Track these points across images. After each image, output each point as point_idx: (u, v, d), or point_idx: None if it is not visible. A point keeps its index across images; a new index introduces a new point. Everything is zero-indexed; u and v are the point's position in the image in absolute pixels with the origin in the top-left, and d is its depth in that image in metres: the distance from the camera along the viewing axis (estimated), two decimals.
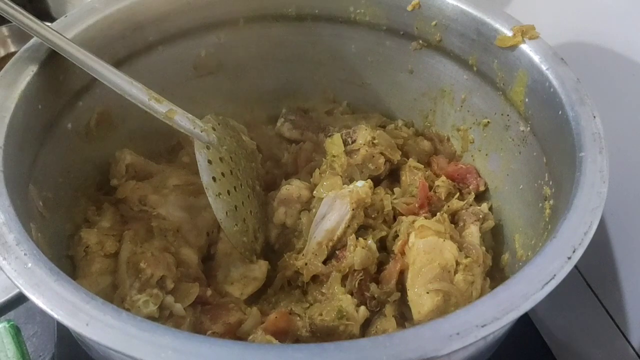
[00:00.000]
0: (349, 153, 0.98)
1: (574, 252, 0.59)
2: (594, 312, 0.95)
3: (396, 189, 0.99)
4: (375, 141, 0.99)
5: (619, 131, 0.84)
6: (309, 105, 1.16)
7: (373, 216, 0.92)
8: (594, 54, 0.87)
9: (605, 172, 0.66)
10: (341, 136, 1.00)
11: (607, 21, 0.85)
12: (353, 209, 0.88)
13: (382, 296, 0.85)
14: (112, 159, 0.95)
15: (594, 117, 0.72)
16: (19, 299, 1.07)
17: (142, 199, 0.91)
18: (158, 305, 0.79)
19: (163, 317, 0.80)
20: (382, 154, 0.98)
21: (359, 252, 0.86)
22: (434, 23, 0.95)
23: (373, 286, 0.85)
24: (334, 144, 0.98)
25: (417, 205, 0.94)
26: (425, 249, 0.82)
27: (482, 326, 0.52)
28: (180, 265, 0.87)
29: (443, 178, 1.01)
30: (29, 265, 0.56)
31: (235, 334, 0.81)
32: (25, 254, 0.57)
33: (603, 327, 0.94)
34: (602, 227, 0.91)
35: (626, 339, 0.90)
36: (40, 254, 0.57)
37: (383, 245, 0.91)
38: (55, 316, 0.52)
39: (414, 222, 0.87)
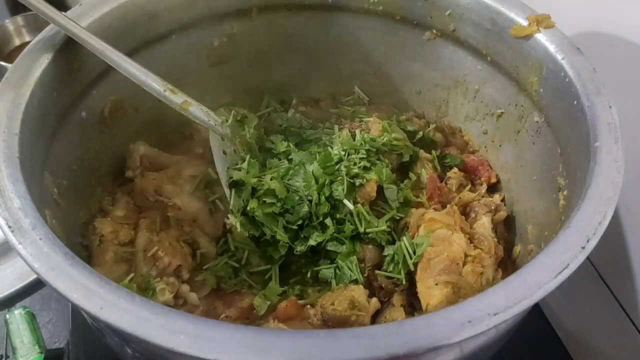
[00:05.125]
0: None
1: (587, 241, 0.58)
2: (606, 305, 0.95)
3: (406, 181, 0.98)
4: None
5: (635, 121, 0.83)
6: (321, 95, 1.16)
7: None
8: (611, 44, 0.86)
9: (621, 163, 0.66)
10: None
11: (624, 10, 0.84)
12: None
13: (390, 286, 0.85)
14: (126, 150, 0.96)
15: (610, 107, 0.72)
16: (35, 286, 1.09)
17: (157, 189, 0.91)
18: (174, 293, 0.80)
19: (177, 305, 0.81)
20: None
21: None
22: (448, 12, 0.95)
23: (381, 276, 0.85)
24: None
25: (425, 197, 0.94)
26: (434, 241, 0.82)
27: (494, 314, 0.52)
28: (196, 255, 0.88)
29: (455, 170, 1.01)
30: (45, 249, 0.57)
31: (248, 317, 0.82)
32: (40, 239, 0.58)
33: (615, 319, 0.93)
34: (615, 219, 0.90)
35: (639, 331, 0.89)
36: (56, 239, 0.58)
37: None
38: (71, 299, 0.52)
39: (423, 214, 0.87)
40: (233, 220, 0.87)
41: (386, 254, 0.87)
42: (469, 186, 1.00)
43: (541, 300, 0.55)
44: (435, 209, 0.90)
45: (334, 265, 0.87)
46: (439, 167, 1.02)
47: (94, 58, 0.81)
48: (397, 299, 0.84)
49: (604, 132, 0.69)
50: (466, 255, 0.81)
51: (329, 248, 0.87)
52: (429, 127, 1.09)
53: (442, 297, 0.77)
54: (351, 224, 0.87)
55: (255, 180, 0.89)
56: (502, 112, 0.97)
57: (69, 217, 0.81)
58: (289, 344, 0.49)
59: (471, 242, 0.84)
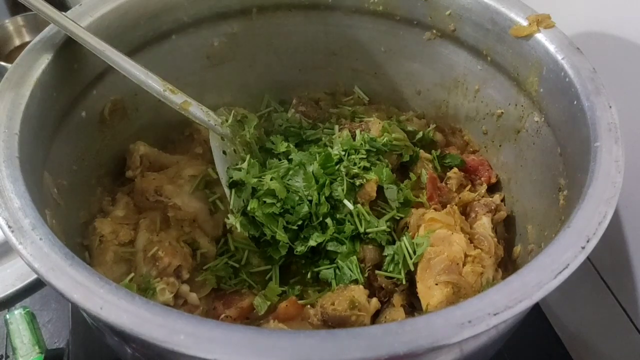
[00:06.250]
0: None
1: (587, 242, 0.58)
2: (606, 305, 0.95)
3: (406, 181, 0.98)
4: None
5: (635, 121, 0.83)
6: (321, 95, 1.16)
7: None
8: (610, 44, 0.86)
9: (621, 163, 0.66)
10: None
11: (624, 10, 0.84)
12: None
13: (390, 286, 0.85)
14: (126, 150, 0.96)
15: (610, 107, 0.72)
16: (35, 286, 1.09)
17: (157, 189, 0.91)
18: (174, 293, 0.80)
19: (177, 305, 0.81)
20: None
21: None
22: (448, 12, 0.95)
23: (381, 276, 0.85)
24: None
25: (425, 197, 0.94)
26: (434, 241, 0.82)
27: (494, 314, 0.52)
28: (196, 255, 0.88)
29: (455, 170, 1.01)
30: (45, 249, 0.57)
31: (248, 317, 0.82)
32: (40, 239, 0.58)
33: (616, 319, 0.93)
34: (616, 219, 0.90)
35: (639, 331, 0.89)
36: (56, 239, 0.58)
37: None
38: (71, 299, 0.52)
39: (423, 214, 0.87)
40: (233, 221, 0.87)
41: (386, 254, 0.87)
42: (469, 186, 1.00)
43: (541, 300, 0.55)
44: (435, 209, 0.90)
45: (334, 265, 0.87)
46: (439, 167, 1.02)
47: (94, 58, 0.81)
48: (397, 299, 0.84)
49: (604, 132, 0.69)
50: (466, 255, 0.81)
51: (329, 248, 0.87)
52: (429, 127, 1.09)
53: (442, 297, 0.77)
54: (351, 224, 0.87)
55: (255, 180, 0.89)
56: (502, 112, 0.97)
57: (69, 217, 0.81)
58: (289, 344, 0.49)
59: (471, 242, 0.84)
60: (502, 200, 0.97)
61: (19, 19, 1.54)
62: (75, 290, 0.53)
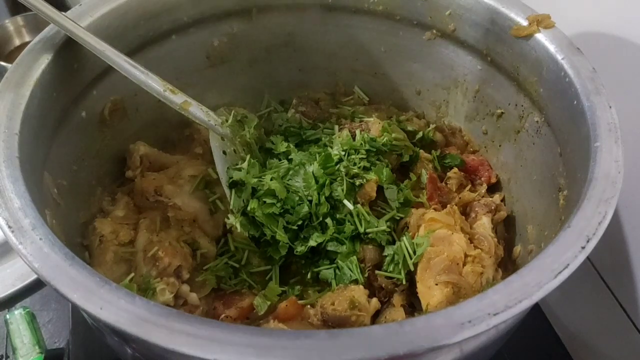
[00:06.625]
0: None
1: (587, 242, 0.58)
2: (606, 305, 0.95)
3: (406, 181, 0.98)
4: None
5: (635, 121, 0.83)
6: (320, 95, 1.16)
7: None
8: (610, 44, 0.86)
9: (621, 163, 0.66)
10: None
11: (624, 10, 0.84)
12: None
13: (390, 286, 0.85)
14: (126, 150, 0.96)
15: (610, 107, 0.72)
16: (35, 286, 1.09)
17: (157, 189, 0.92)
18: (174, 293, 0.80)
19: (177, 305, 0.81)
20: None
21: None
22: (447, 12, 0.95)
23: (381, 276, 0.85)
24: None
25: (425, 197, 0.94)
26: (434, 241, 0.82)
27: (494, 314, 0.52)
28: (196, 255, 0.88)
29: (455, 170, 1.01)
30: (45, 249, 0.57)
31: (248, 317, 0.82)
32: (40, 239, 0.58)
33: (616, 319, 0.93)
34: (616, 219, 0.90)
35: (639, 331, 0.89)
36: (56, 239, 0.58)
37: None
38: (71, 299, 0.52)
39: (423, 214, 0.87)
40: (233, 221, 0.87)
41: (386, 254, 0.87)
42: (469, 186, 1.00)
43: (541, 300, 0.55)
44: (435, 209, 0.90)
45: (334, 265, 0.87)
46: (439, 167, 1.02)
47: (94, 58, 0.81)
48: (397, 299, 0.84)
49: (604, 132, 0.69)
50: (466, 255, 0.81)
51: (329, 248, 0.87)
52: (429, 127, 1.09)
53: (442, 297, 0.77)
54: (351, 224, 0.87)
55: (255, 180, 0.89)
56: (502, 112, 0.97)
57: (69, 217, 0.81)
58: (289, 344, 0.49)
59: (471, 242, 0.84)
60: (502, 200, 0.97)
61: (19, 19, 1.54)
62: (75, 290, 0.53)
